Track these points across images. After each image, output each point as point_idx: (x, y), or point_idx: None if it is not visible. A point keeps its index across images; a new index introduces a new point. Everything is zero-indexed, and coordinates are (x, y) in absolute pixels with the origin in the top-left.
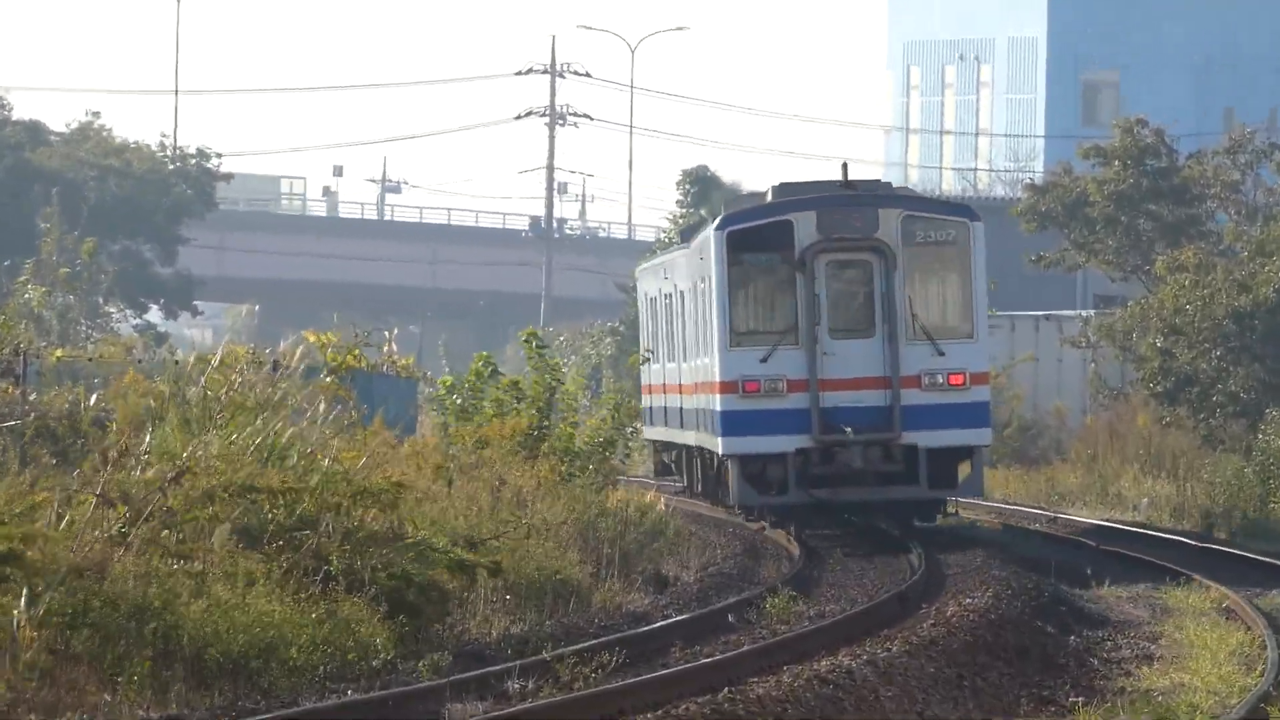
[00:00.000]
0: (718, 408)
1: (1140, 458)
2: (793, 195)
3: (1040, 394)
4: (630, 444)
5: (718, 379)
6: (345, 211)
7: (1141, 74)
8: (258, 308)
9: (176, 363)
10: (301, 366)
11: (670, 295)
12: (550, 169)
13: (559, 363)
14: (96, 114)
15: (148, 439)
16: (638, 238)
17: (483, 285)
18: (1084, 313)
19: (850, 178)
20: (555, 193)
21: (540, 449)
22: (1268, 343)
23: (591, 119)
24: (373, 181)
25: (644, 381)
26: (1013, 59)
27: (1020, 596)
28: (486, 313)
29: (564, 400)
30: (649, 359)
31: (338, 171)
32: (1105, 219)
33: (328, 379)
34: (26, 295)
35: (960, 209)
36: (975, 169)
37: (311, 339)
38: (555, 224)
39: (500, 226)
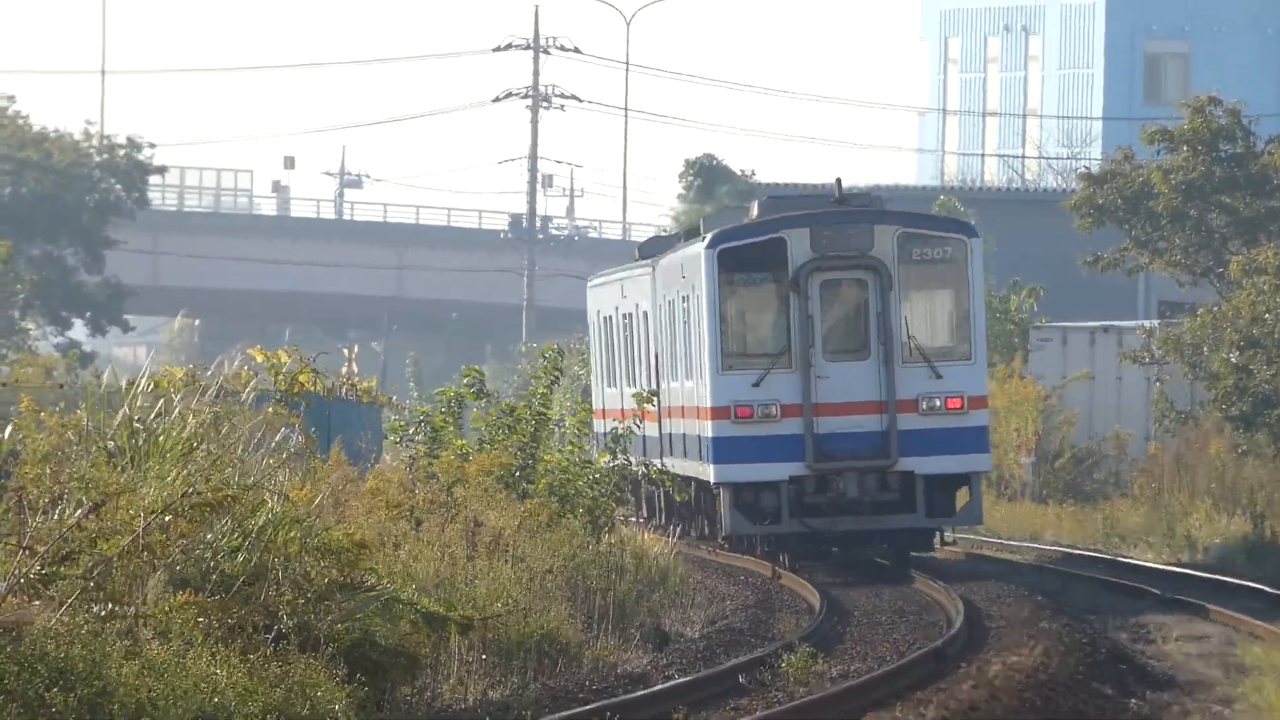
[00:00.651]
0: (709, 434)
1: (1212, 492)
2: (783, 211)
3: (1097, 418)
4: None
5: (709, 404)
6: (298, 210)
7: (1213, 45)
8: (198, 322)
9: (102, 387)
10: (251, 393)
11: (630, 315)
12: (533, 159)
13: (546, 388)
14: (10, 98)
15: (65, 475)
16: (633, 238)
17: (456, 294)
18: (1147, 323)
19: (843, 191)
20: (539, 186)
21: (530, 486)
22: None
23: (580, 101)
24: (329, 175)
25: (597, 405)
26: (1065, 29)
27: (1074, 653)
28: (460, 326)
29: (547, 429)
30: (596, 381)
31: (289, 163)
32: (1172, 213)
33: (276, 405)
34: None
35: (958, 225)
36: (1022, 156)
37: (259, 358)
38: (539, 223)
39: (476, 226)
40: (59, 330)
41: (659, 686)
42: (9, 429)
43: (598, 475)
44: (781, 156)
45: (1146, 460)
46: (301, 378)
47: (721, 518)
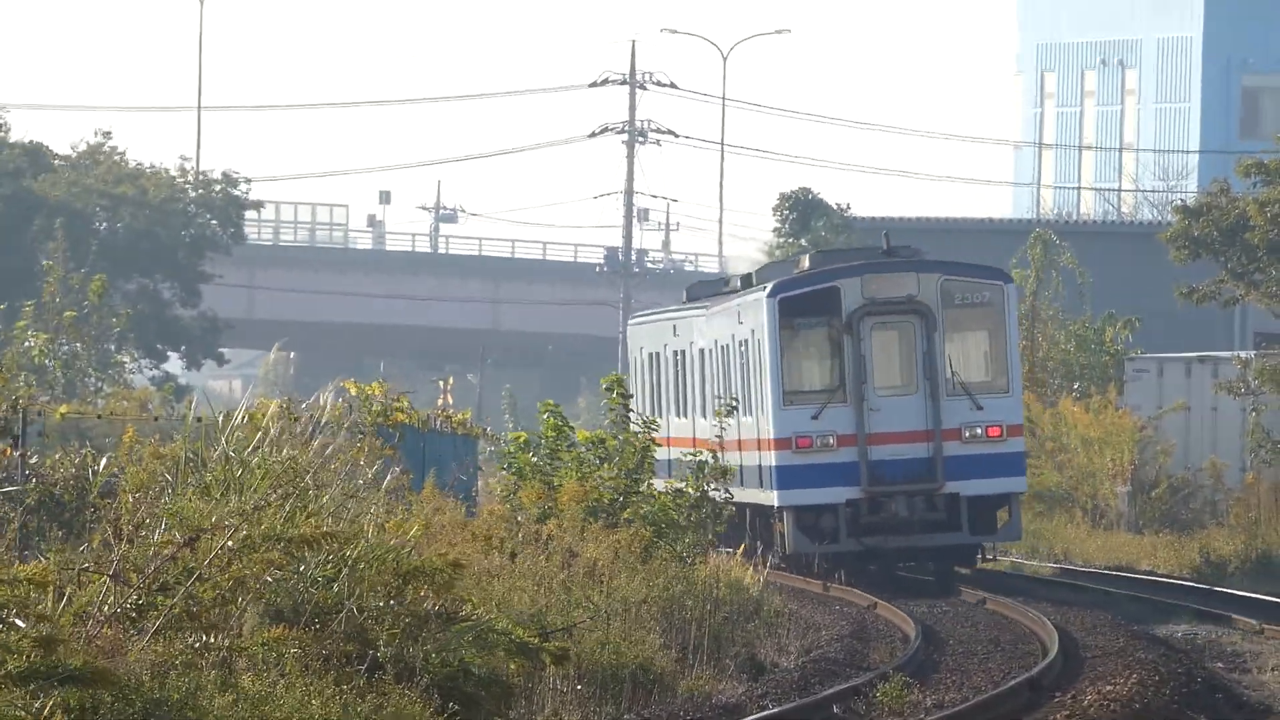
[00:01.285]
0: (772, 462)
1: None
2: (833, 263)
3: (1193, 448)
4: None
5: (772, 435)
6: (393, 244)
7: None
8: (293, 355)
9: (199, 419)
10: (345, 424)
11: (682, 352)
12: (629, 193)
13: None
14: (107, 134)
15: (161, 507)
16: (730, 270)
17: (551, 327)
18: (1243, 354)
19: (890, 244)
20: (635, 220)
21: (623, 515)
22: None
23: (676, 136)
24: (425, 209)
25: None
26: (1163, 63)
27: (1169, 683)
28: (556, 359)
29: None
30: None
31: (385, 198)
32: (1268, 245)
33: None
34: (27, 343)
35: (994, 272)
36: (1119, 189)
37: (353, 390)
38: (634, 256)
39: (571, 260)
40: (154, 363)
41: (753, 716)
42: (103, 461)
43: (694, 505)
44: (877, 190)
45: (1243, 490)
46: (398, 411)
47: (785, 538)
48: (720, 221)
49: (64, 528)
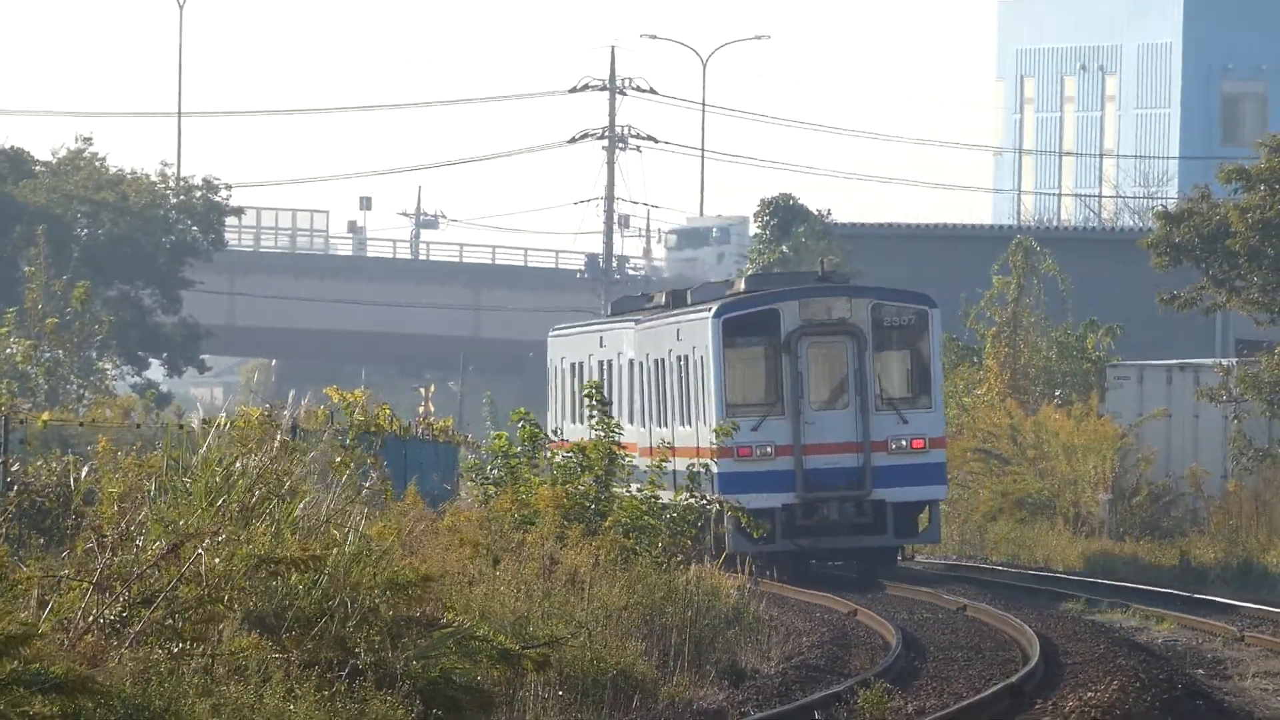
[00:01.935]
0: (715, 470)
1: None
2: (767, 287)
3: (1174, 456)
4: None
5: (714, 444)
6: (374, 250)
7: None
8: (274, 363)
9: (181, 427)
10: (326, 431)
11: (609, 363)
12: (609, 199)
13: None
14: (88, 140)
15: (143, 514)
16: (711, 278)
17: (533, 335)
18: (1224, 361)
19: (824, 270)
20: (616, 227)
21: (601, 523)
22: None
23: (656, 141)
24: (405, 215)
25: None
26: (1143, 69)
27: (1150, 689)
28: (537, 366)
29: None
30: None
31: (365, 204)
32: (1249, 252)
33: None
34: (9, 349)
35: (920, 298)
36: (1099, 195)
37: (335, 398)
38: (616, 263)
39: (553, 266)
40: (136, 371)
41: None
42: (85, 469)
43: (675, 513)
44: (857, 196)
45: (1224, 498)
46: (379, 418)
47: (725, 539)
48: None
49: (45, 535)
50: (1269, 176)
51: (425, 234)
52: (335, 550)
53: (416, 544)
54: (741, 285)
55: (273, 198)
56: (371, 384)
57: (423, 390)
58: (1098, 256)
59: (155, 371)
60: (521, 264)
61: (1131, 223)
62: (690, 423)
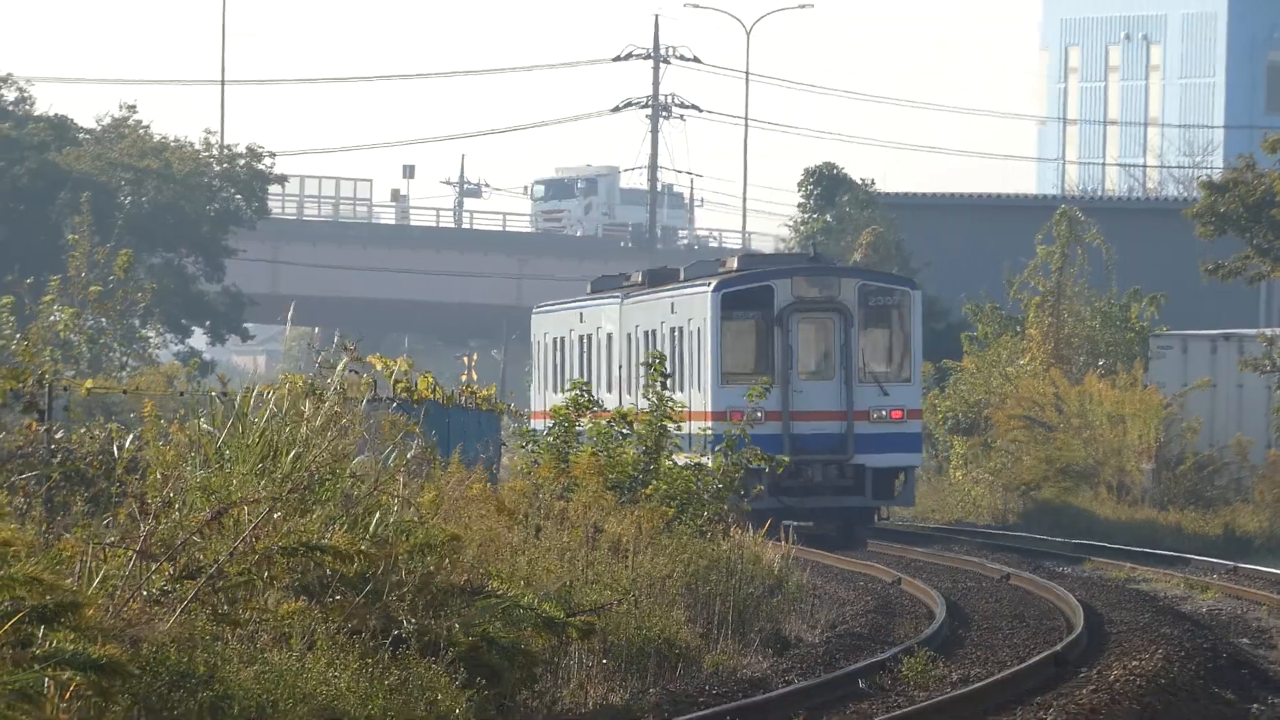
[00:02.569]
0: (709, 433)
1: None
2: (758, 266)
3: (1218, 426)
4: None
5: (709, 409)
6: (417, 219)
7: None
8: (317, 330)
9: (224, 394)
10: (367, 398)
11: (588, 337)
12: (653, 168)
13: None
14: (131, 108)
15: (188, 481)
16: (754, 247)
17: None
18: (1269, 331)
19: (816, 252)
20: (659, 196)
21: (644, 492)
22: None
23: (700, 111)
24: (448, 184)
25: (536, 408)
26: (1188, 37)
27: (1195, 658)
28: None
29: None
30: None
31: (408, 173)
32: None
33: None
34: (53, 317)
35: (902, 280)
36: (1144, 165)
37: (378, 365)
38: (659, 232)
39: (596, 235)
40: (179, 338)
41: (778, 691)
42: (130, 439)
43: (718, 479)
44: (901, 166)
45: (1268, 467)
46: (424, 386)
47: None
48: (744, 197)
49: (89, 503)
50: None
51: (468, 202)
52: (377, 520)
53: (456, 511)
54: (734, 264)
55: (316, 166)
56: (414, 352)
57: (466, 359)
58: (1142, 226)
59: (198, 339)
60: (565, 233)
61: (1176, 192)
62: (683, 389)
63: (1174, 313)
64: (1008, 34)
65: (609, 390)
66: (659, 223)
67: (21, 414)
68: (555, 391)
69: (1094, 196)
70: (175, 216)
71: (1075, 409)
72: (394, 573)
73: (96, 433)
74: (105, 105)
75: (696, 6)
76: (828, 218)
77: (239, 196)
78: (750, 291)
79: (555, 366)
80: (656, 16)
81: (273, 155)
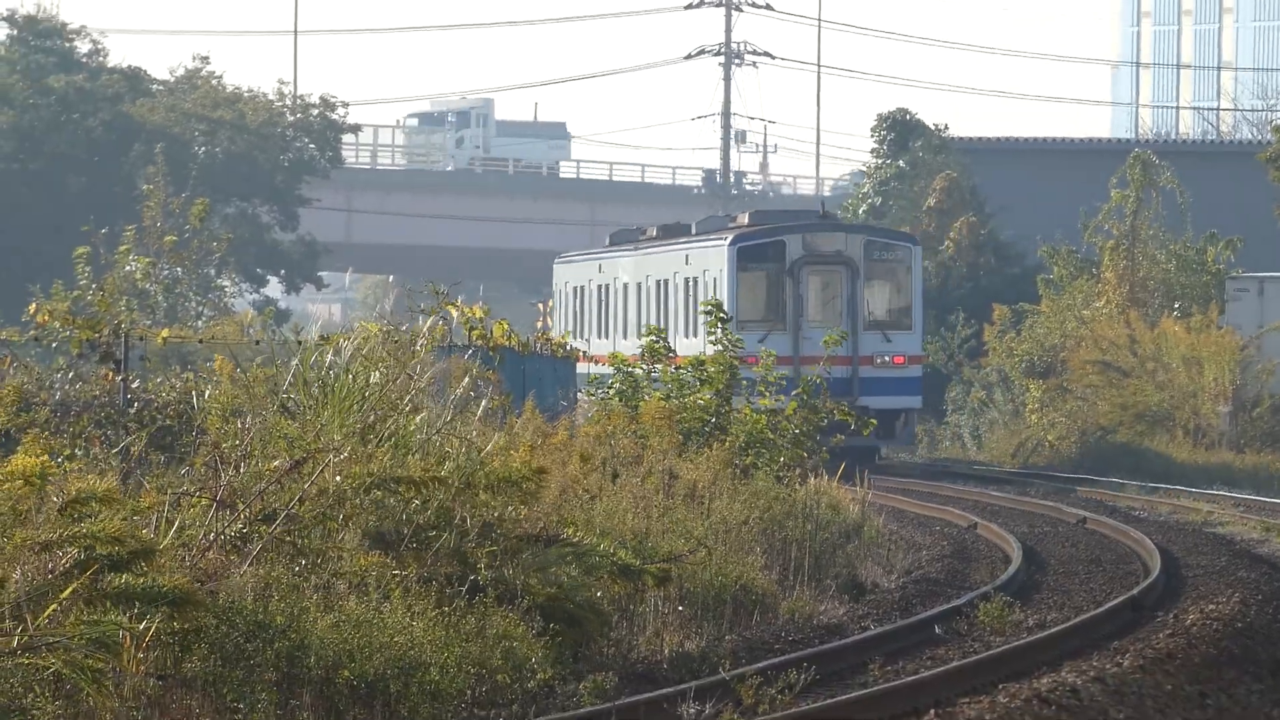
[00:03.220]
0: None
1: None
2: (769, 222)
3: None
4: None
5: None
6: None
7: None
8: (391, 279)
9: (299, 342)
10: (443, 344)
11: (606, 286)
12: (726, 115)
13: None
14: (205, 59)
15: (265, 431)
16: (826, 193)
17: None
18: None
19: (824, 209)
20: (732, 142)
21: (718, 438)
22: None
23: (773, 58)
24: None
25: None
26: None
27: (1272, 601)
28: None
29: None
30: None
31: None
32: None
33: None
34: (128, 267)
35: (905, 236)
36: (1218, 109)
37: (455, 313)
38: (733, 178)
39: (669, 182)
40: (254, 288)
41: (855, 637)
42: (209, 391)
43: (795, 425)
44: (974, 110)
45: None
46: (496, 332)
47: None
48: (817, 143)
49: (166, 452)
50: None
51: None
52: (451, 464)
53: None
54: (745, 219)
55: (390, 115)
56: (489, 299)
57: (540, 305)
58: (1216, 170)
59: (273, 288)
60: (639, 180)
61: (1250, 135)
62: (696, 334)
63: (1249, 256)
64: None
65: (624, 337)
66: (731, 168)
67: (98, 364)
68: (575, 337)
69: (1168, 140)
70: (249, 167)
71: (1150, 352)
72: (471, 514)
73: (173, 382)
74: (178, 57)
75: None
76: (901, 163)
77: (312, 146)
78: (764, 245)
79: (575, 313)
80: None
81: (346, 105)
